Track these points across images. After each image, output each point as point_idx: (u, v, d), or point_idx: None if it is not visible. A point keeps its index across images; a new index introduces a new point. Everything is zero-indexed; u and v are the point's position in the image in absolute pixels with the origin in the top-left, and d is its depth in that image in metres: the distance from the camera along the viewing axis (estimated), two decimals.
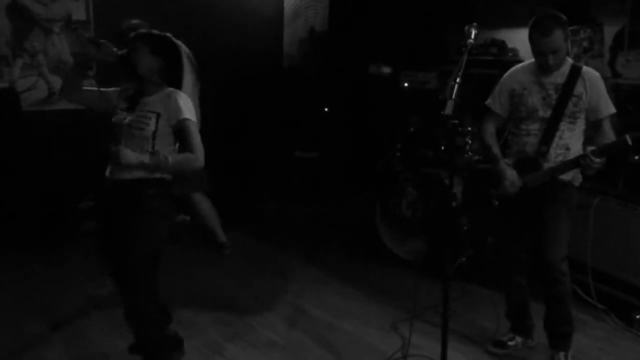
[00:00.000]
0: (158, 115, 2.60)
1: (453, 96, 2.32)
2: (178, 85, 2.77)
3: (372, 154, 5.42)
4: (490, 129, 3.12)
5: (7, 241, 4.46)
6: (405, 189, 4.44)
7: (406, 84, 5.75)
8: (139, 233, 2.60)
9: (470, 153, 4.28)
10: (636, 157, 3.78)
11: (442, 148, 4.56)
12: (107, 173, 2.65)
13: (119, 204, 2.64)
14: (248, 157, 5.92)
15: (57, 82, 4.65)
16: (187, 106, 2.65)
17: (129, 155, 2.50)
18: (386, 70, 6.26)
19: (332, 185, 6.04)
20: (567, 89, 2.84)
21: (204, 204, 4.45)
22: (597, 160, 2.71)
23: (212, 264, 4.42)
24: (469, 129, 4.34)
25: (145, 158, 2.53)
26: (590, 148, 2.78)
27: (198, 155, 2.62)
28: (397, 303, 3.80)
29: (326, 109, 6.23)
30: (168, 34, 2.86)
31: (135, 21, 3.86)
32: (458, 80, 2.36)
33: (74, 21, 4.80)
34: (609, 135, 2.86)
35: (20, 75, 4.74)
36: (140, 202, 2.61)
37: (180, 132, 2.64)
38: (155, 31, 2.81)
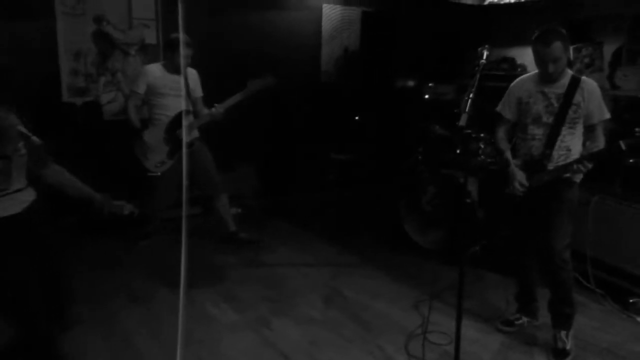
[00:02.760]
0: None
1: (467, 109, 2.31)
2: None
3: (397, 156, 5.41)
4: (501, 134, 3.09)
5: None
6: (426, 187, 4.42)
7: (427, 96, 5.72)
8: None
9: (483, 156, 4.24)
10: (630, 161, 3.71)
11: (458, 152, 4.54)
12: None
13: None
14: (292, 159, 5.98)
15: None
16: None
17: None
18: (410, 83, 6.24)
19: (363, 183, 6.04)
20: (567, 98, 2.80)
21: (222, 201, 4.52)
22: (590, 164, 2.69)
23: (264, 250, 4.46)
24: (482, 135, 4.29)
25: None
26: (584, 153, 2.77)
27: None
28: (419, 286, 3.79)
29: (357, 118, 6.24)
30: None
31: (180, 35, 3.83)
32: (472, 95, 2.35)
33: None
34: (599, 139, 2.83)
35: (103, 90, 4.89)
36: None
37: None
38: None
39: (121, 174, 4.71)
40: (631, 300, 3.43)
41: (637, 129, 2.57)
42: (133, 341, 3.02)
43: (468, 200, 3.97)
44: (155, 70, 4.12)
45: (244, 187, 5.69)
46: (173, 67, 4.09)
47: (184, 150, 4.13)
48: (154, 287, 3.69)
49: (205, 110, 4.23)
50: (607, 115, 2.84)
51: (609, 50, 4.71)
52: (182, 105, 4.18)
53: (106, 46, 4.84)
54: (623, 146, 2.58)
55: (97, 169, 4.74)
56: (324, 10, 6.11)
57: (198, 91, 4.30)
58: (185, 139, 4.21)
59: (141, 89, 4.09)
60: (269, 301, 3.54)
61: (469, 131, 2.32)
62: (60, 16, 4.51)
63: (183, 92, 4.14)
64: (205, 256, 4.28)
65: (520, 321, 3.24)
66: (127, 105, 4.19)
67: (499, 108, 3.09)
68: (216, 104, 4.09)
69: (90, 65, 4.79)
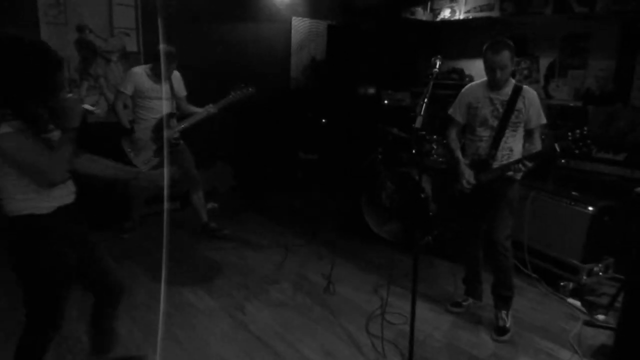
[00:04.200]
0: None
1: (422, 112, 2.33)
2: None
3: (359, 156, 5.44)
4: (452, 135, 3.12)
5: None
6: (385, 184, 4.46)
7: (386, 102, 5.77)
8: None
9: (435, 156, 4.31)
10: (562, 161, 3.83)
11: (413, 152, 4.59)
12: None
13: None
14: (262, 158, 5.94)
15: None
16: None
17: None
18: (371, 90, 6.28)
19: (328, 180, 6.06)
20: (510, 104, 2.86)
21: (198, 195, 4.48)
22: (529, 163, 2.76)
23: (238, 241, 4.42)
24: (435, 137, 4.36)
25: None
26: (525, 153, 2.85)
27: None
28: (378, 272, 3.83)
29: (324, 120, 6.24)
30: None
31: (165, 46, 3.90)
32: (426, 100, 2.38)
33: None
34: (537, 142, 2.91)
35: (86, 94, 4.76)
36: None
37: None
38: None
39: None
40: (562, 284, 3.53)
41: (569, 134, 2.65)
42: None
43: (422, 196, 4.02)
44: (141, 73, 4.03)
45: (220, 183, 5.64)
46: (159, 74, 4.01)
47: (165, 150, 4.09)
48: (135, 276, 3.62)
49: (192, 108, 4.23)
50: (544, 121, 2.92)
51: (544, 63, 4.85)
52: (167, 108, 4.14)
53: (88, 53, 4.71)
54: (557, 148, 2.67)
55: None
56: (293, 22, 6.11)
57: (182, 91, 4.25)
58: (168, 140, 4.15)
59: (128, 90, 4.01)
60: (243, 288, 3.52)
61: (423, 132, 2.34)
62: (44, 25, 4.36)
63: (168, 96, 4.12)
64: (183, 246, 4.23)
65: (467, 302, 3.31)
66: (115, 104, 4.07)
67: (450, 111, 3.12)
68: (211, 104, 4.10)
69: (73, 71, 4.65)
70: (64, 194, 2.02)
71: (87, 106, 1.80)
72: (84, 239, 2.16)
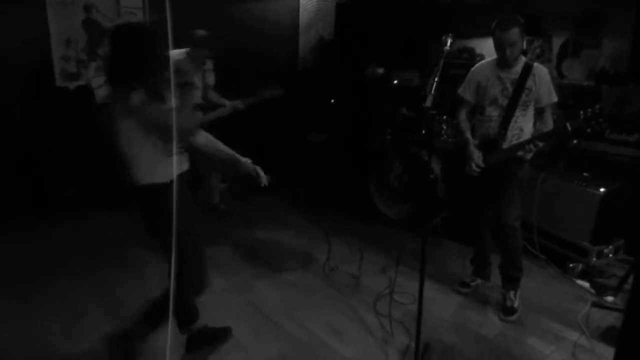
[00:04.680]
0: None
1: (432, 92, 2.29)
2: None
3: (368, 136, 5.41)
4: (462, 115, 3.09)
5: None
6: (394, 165, 4.44)
7: (395, 82, 5.71)
8: None
9: (445, 136, 4.27)
10: (574, 142, 3.78)
11: (423, 133, 4.56)
12: None
13: None
14: (270, 139, 5.93)
15: None
16: None
17: None
18: (380, 70, 6.22)
19: (337, 161, 6.05)
20: (520, 83, 2.82)
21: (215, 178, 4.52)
22: (540, 143, 2.73)
23: (247, 222, 4.45)
24: (445, 117, 4.32)
25: None
26: (535, 133, 2.81)
27: None
28: (386, 253, 3.84)
29: (332, 101, 6.20)
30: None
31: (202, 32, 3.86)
32: (436, 79, 2.33)
33: None
34: (548, 120, 2.87)
35: (94, 75, 4.75)
36: None
37: None
38: None
39: (114, 153, 4.62)
40: (570, 265, 3.53)
41: (581, 112, 2.61)
42: (127, 301, 3.01)
43: (431, 177, 4.01)
44: (182, 59, 3.93)
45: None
46: (195, 61, 3.93)
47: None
48: (146, 256, 3.66)
49: (220, 99, 4.22)
50: (555, 99, 2.87)
51: (557, 42, 4.75)
52: (196, 97, 4.07)
53: (95, 33, 4.69)
54: (569, 128, 2.63)
55: (91, 149, 4.67)
56: (301, 1, 6.03)
57: (210, 80, 4.23)
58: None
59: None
60: (252, 267, 3.55)
61: (434, 112, 2.30)
62: (51, 5, 4.34)
63: (199, 85, 4.05)
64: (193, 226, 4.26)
65: (475, 283, 3.31)
66: None
67: (460, 91, 3.09)
68: (240, 100, 4.12)
69: (81, 52, 4.64)
70: (181, 162, 2.26)
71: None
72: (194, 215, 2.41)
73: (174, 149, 2.15)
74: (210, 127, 4.24)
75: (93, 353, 2.54)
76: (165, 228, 2.07)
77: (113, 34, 2.10)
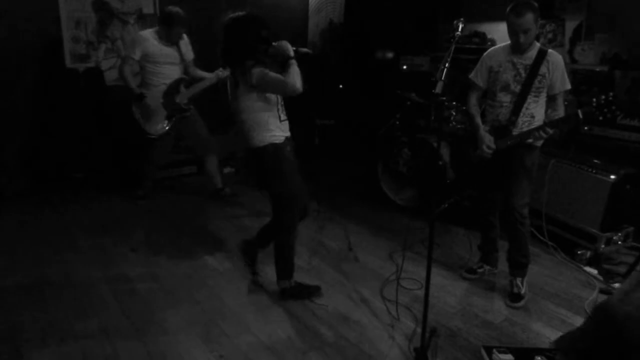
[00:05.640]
0: None
1: (442, 78, 2.26)
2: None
3: (377, 122, 5.38)
4: (473, 100, 3.05)
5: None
6: (402, 150, 4.42)
7: (405, 67, 5.66)
8: None
9: (454, 122, 4.24)
10: (585, 128, 3.73)
11: (432, 118, 4.53)
12: None
13: None
14: None
15: None
16: None
17: None
18: (389, 55, 6.16)
19: (345, 146, 6.03)
20: (534, 69, 2.77)
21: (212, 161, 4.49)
22: (551, 130, 2.70)
23: (253, 206, 4.47)
24: (454, 103, 4.28)
25: None
26: (546, 120, 2.77)
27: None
28: (393, 238, 3.84)
29: (341, 86, 6.16)
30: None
31: (175, 9, 3.93)
32: (447, 64, 2.30)
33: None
34: (560, 108, 2.83)
35: (103, 57, 4.75)
36: None
37: None
38: None
39: (121, 134, 4.65)
40: (578, 252, 3.51)
41: (594, 99, 2.57)
42: (136, 287, 3.05)
43: (440, 163, 3.98)
44: (150, 38, 3.98)
45: (236, 148, 5.65)
46: (168, 40, 3.98)
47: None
48: (152, 240, 3.69)
49: (201, 73, 4.19)
50: (568, 86, 2.82)
51: (570, 26, 4.67)
52: (177, 72, 4.11)
53: (105, 15, 4.68)
54: (580, 115, 2.59)
55: (99, 129, 4.69)
56: None
57: (189, 55, 4.20)
58: (178, 106, 4.13)
59: (137, 55, 3.96)
60: (260, 252, 3.56)
61: (444, 98, 2.28)
62: None
63: (178, 61, 4.08)
64: (199, 211, 4.28)
65: (482, 269, 3.31)
66: (122, 70, 3.99)
67: (471, 75, 3.05)
68: (221, 68, 4.02)
69: (90, 34, 4.64)
70: (288, 128, 2.81)
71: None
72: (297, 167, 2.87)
73: (283, 115, 2.75)
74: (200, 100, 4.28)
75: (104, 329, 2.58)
76: (278, 182, 2.69)
77: (227, 25, 2.56)
